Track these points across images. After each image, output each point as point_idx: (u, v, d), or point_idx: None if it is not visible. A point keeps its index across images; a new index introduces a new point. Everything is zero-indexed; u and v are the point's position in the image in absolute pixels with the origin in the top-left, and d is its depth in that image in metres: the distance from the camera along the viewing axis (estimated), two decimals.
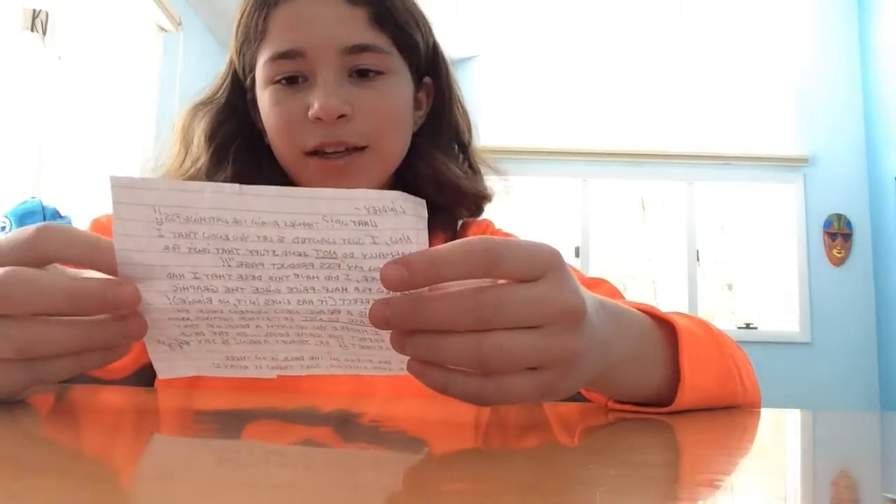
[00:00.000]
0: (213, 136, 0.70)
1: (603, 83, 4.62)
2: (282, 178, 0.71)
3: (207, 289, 0.35)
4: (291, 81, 0.65)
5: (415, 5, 0.70)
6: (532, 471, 0.26)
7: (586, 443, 0.37)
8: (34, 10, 2.37)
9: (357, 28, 0.64)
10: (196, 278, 0.35)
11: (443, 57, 0.75)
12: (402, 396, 0.41)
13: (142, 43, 3.14)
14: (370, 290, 0.35)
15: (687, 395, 0.46)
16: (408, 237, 0.34)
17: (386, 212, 0.34)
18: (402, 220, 0.34)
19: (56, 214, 2.22)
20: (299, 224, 0.34)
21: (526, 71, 4.69)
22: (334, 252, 0.34)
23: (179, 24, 3.39)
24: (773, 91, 4.48)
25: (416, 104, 0.72)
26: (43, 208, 2.20)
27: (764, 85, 4.49)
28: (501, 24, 4.43)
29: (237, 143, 0.70)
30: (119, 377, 0.61)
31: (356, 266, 0.34)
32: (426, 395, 0.39)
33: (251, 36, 0.66)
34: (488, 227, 0.78)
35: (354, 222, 0.34)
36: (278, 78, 0.65)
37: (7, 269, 0.34)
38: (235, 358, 0.39)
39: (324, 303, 0.35)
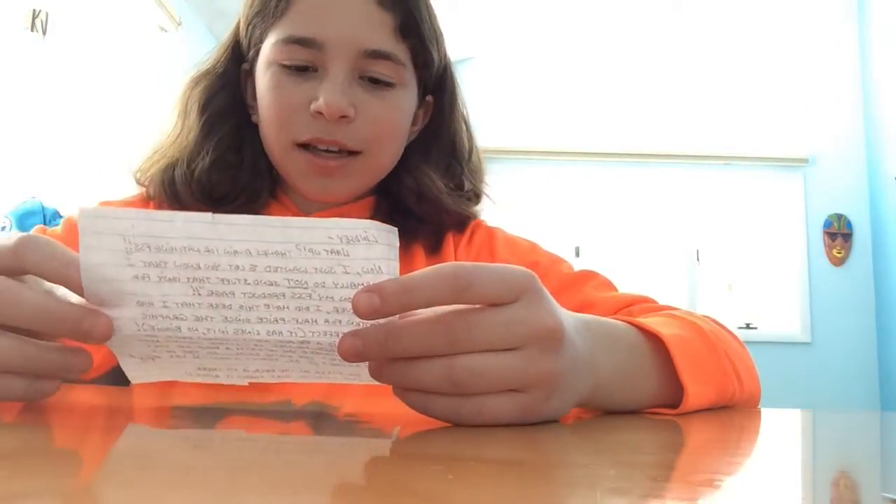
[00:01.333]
0: (206, 107, 0.69)
1: (602, 83, 4.62)
2: (265, 164, 0.70)
3: (176, 317, 0.35)
4: (300, 69, 0.63)
5: (437, 22, 0.69)
6: (530, 471, 0.26)
7: (586, 443, 0.37)
8: (34, 10, 2.37)
9: (382, 34, 0.63)
10: (165, 307, 0.35)
11: (451, 77, 0.75)
12: (380, 393, 0.41)
13: (142, 43, 3.14)
14: (340, 321, 0.35)
15: (690, 403, 0.46)
16: (378, 267, 0.34)
17: (359, 241, 0.34)
18: (373, 250, 0.34)
19: (56, 215, 2.22)
20: (272, 253, 0.34)
21: (524, 71, 4.69)
22: (305, 282, 0.34)
23: (179, 24, 3.39)
24: (772, 91, 4.48)
25: (413, 119, 0.72)
26: (43, 208, 2.20)
27: (764, 85, 4.49)
28: (499, 24, 4.43)
29: (226, 120, 0.69)
30: (93, 376, 0.60)
31: (327, 296, 0.35)
32: None
33: (269, 10, 0.64)
34: (479, 225, 0.77)
35: (327, 251, 0.34)
36: (286, 62, 0.63)
37: None
38: (207, 368, 0.40)
39: (293, 334, 0.36)
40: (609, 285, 0.70)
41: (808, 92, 4.46)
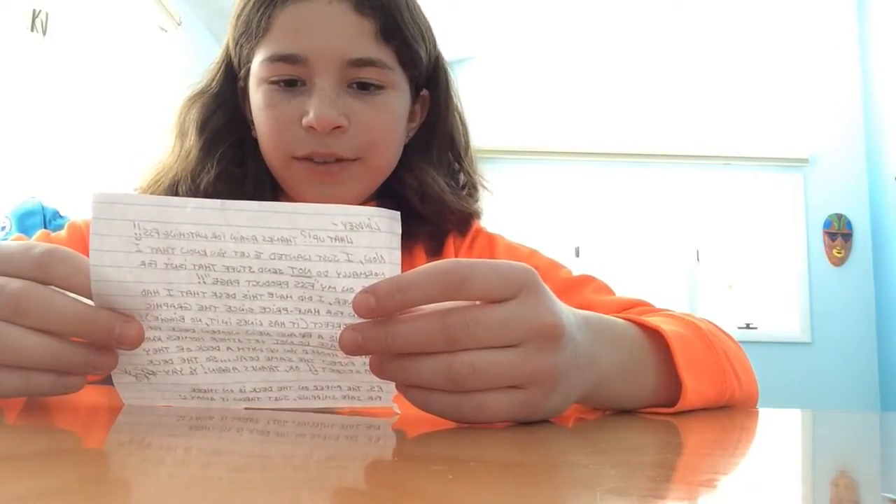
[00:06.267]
0: (204, 127, 0.70)
1: (602, 83, 4.62)
2: (267, 176, 0.70)
3: (181, 306, 0.35)
4: (289, 84, 0.64)
5: (422, 17, 0.69)
6: (530, 472, 0.26)
7: (586, 443, 0.37)
8: (34, 10, 2.37)
9: (363, 41, 0.63)
10: (170, 295, 0.35)
11: (444, 69, 0.75)
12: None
13: (142, 43, 3.14)
14: (342, 313, 0.35)
15: (689, 399, 0.46)
16: (381, 256, 0.35)
17: (362, 228, 0.34)
18: (376, 238, 0.35)
19: (56, 215, 2.22)
20: (277, 239, 0.34)
21: (524, 71, 4.69)
22: (309, 270, 0.35)
23: (179, 24, 3.40)
24: (772, 91, 4.48)
25: (411, 116, 0.72)
26: (43, 208, 2.20)
27: (764, 85, 4.49)
28: (499, 24, 4.43)
29: (226, 138, 0.70)
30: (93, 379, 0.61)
31: (330, 286, 0.35)
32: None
33: (252, 30, 0.65)
34: (480, 232, 0.77)
35: (331, 238, 0.34)
36: (275, 79, 0.64)
37: (24, 282, 0.35)
38: (202, 390, 0.40)
39: (295, 325, 0.36)
40: (607, 289, 0.71)
41: (808, 92, 4.45)
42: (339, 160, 0.65)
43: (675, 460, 0.32)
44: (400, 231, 0.35)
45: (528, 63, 4.68)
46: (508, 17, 4.36)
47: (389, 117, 0.67)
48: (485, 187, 0.79)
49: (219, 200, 0.34)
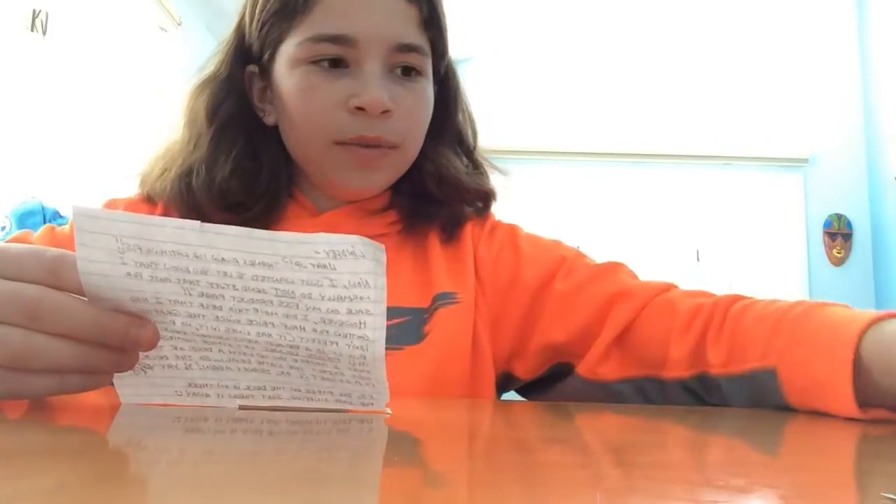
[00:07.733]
0: (213, 115, 0.69)
1: (602, 83, 4.62)
2: (284, 170, 0.70)
3: (170, 312, 0.35)
4: (333, 65, 0.63)
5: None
6: (529, 472, 0.26)
7: (586, 443, 0.37)
8: (34, 10, 2.37)
9: (409, 26, 0.64)
10: (159, 303, 0.35)
11: (453, 69, 0.76)
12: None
13: (142, 43, 3.14)
14: (327, 332, 0.35)
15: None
16: (366, 281, 0.34)
17: (345, 256, 0.34)
18: (360, 265, 0.34)
19: (56, 215, 2.22)
20: (258, 263, 0.34)
21: (524, 71, 4.69)
22: (292, 292, 0.34)
23: (179, 24, 3.40)
24: (772, 91, 4.48)
25: None
26: (43, 208, 2.20)
27: (764, 85, 4.49)
28: (499, 24, 4.43)
29: (236, 126, 0.68)
30: None
31: (314, 307, 0.35)
32: (415, 394, 0.39)
33: (289, 9, 0.63)
34: (499, 223, 0.77)
35: (313, 265, 0.34)
36: (318, 59, 0.63)
37: (39, 288, 0.35)
38: (198, 385, 0.40)
39: (283, 337, 0.36)
40: (633, 276, 0.72)
41: (808, 92, 4.45)
42: (380, 146, 0.65)
43: (675, 460, 0.32)
44: (385, 260, 0.35)
45: (528, 63, 4.68)
46: (508, 17, 4.36)
47: (426, 104, 0.68)
48: (497, 169, 0.79)
49: (197, 222, 0.34)
